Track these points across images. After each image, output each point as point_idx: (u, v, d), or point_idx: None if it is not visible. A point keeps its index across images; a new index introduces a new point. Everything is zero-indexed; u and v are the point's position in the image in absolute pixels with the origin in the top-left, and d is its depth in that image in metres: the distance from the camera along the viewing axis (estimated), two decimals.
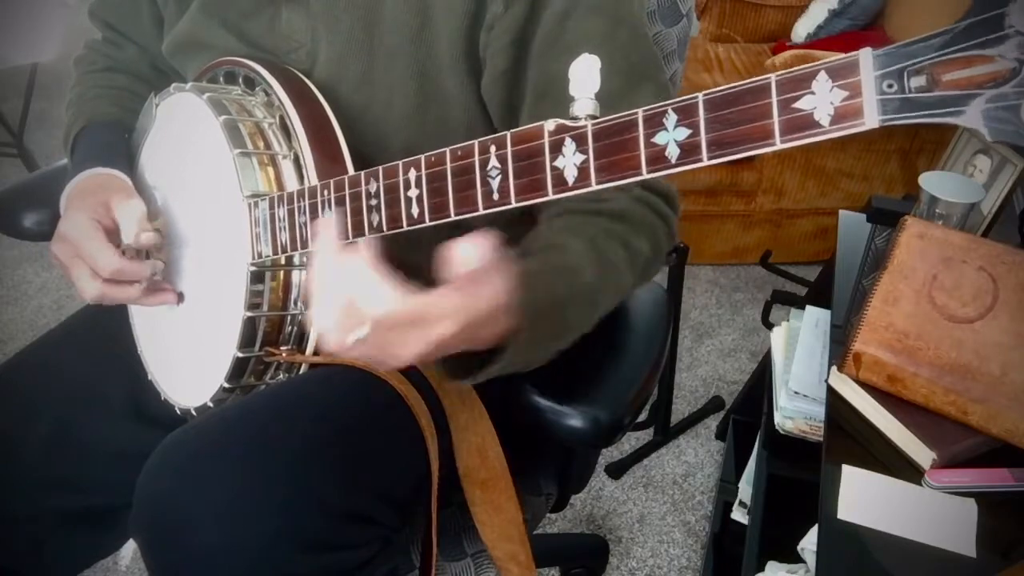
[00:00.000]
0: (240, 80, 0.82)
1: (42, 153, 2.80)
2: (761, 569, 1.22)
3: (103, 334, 0.94)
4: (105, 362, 0.92)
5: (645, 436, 1.83)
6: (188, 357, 0.86)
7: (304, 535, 0.65)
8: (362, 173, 0.63)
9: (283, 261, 0.75)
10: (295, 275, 0.77)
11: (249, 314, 0.75)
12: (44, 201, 0.97)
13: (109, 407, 0.89)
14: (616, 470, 1.75)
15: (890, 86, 0.37)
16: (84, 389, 0.89)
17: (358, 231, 0.64)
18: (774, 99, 0.40)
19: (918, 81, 0.36)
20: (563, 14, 0.72)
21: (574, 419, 0.74)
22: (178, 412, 0.86)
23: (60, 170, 0.99)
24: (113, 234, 0.80)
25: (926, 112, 0.36)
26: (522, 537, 0.82)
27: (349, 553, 0.69)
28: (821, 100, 0.39)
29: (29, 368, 0.91)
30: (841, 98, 0.38)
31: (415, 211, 0.58)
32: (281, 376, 0.81)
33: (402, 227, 0.60)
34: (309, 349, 0.78)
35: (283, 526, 0.64)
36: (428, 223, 0.58)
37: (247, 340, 0.77)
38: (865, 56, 0.37)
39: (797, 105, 0.39)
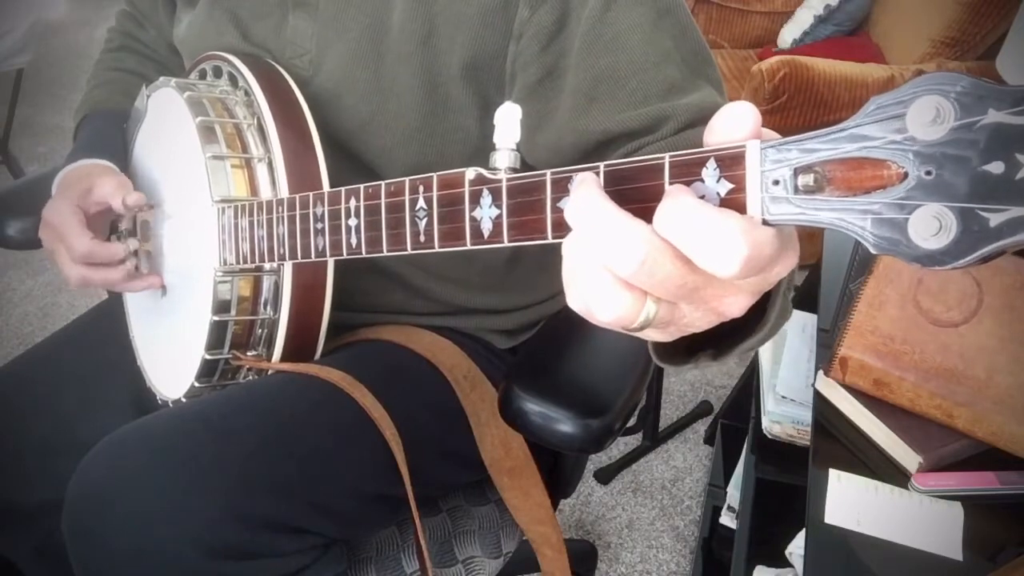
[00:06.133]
0: (225, 76, 0.82)
1: (27, 159, 2.78)
2: (750, 573, 1.22)
3: (105, 335, 0.96)
4: (106, 362, 0.93)
5: (634, 441, 1.83)
6: (168, 350, 0.87)
7: (219, 542, 0.65)
8: (310, 195, 0.63)
9: (252, 267, 0.75)
10: (265, 280, 0.77)
11: (216, 318, 0.75)
12: (29, 209, 0.97)
13: (110, 407, 0.89)
14: (605, 475, 1.75)
15: (776, 182, 0.34)
16: (85, 389, 0.90)
17: (305, 254, 0.65)
18: (666, 181, 0.37)
19: (806, 180, 0.33)
20: (602, 9, 0.68)
21: (564, 424, 0.74)
22: (159, 402, 0.86)
23: (44, 177, 0.98)
24: (94, 219, 0.84)
25: (811, 218, 0.33)
26: (552, 520, 0.84)
27: (274, 561, 0.69)
28: (710, 189, 0.36)
29: (31, 368, 0.92)
30: (727, 190, 0.36)
31: (353, 240, 0.58)
32: (251, 376, 0.81)
33: (342, 255, 0.60)
34: (276, 354, 0.78)
35: (196, 532, 0.64)
36: (364, 255, 0.57)
37: (215, 342, 0.77)
38: (752, 148, 0.35)
39: None
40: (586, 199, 0.36)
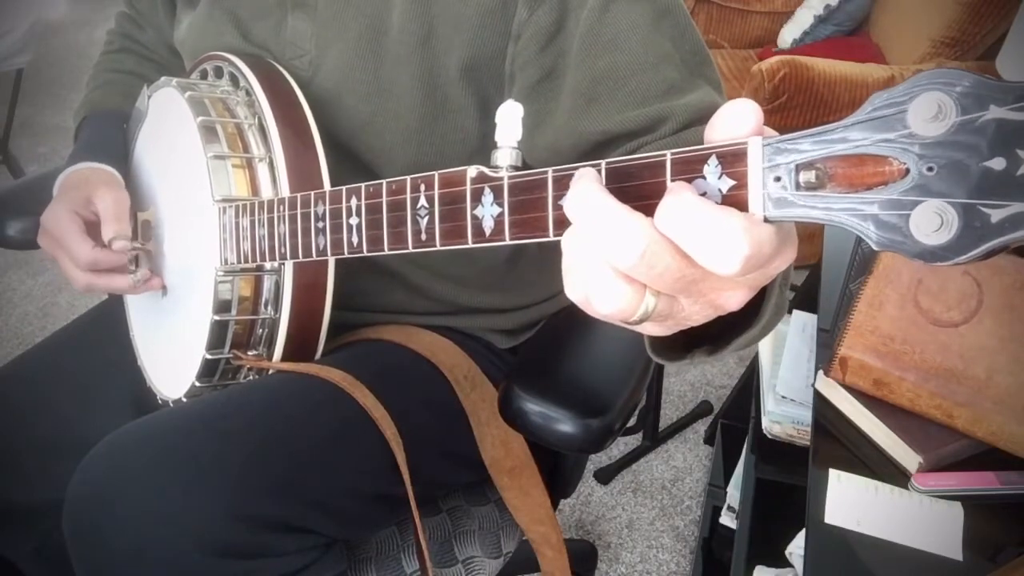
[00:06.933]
0: (226, 77, 0.82)
1: (27, 159, 2.78)
2: (750, 573, 1.22)
3: (106, 335, 0.96)
4: (106, 362, 0.93)
5: (634, 441, 1.83)
6: (169, 349, 0.87)
7: (220, 542, 0.65)
8: (312, 194, 0.63)
9: (252, 267, 0.75)
10: (266, 280, 0.77)
11: (217, 318, 0.75)
12: (28, 209, 0.97)
13: (110, 407, 0.89)
14: (605, 475, 1.75)
15: (777, 179, 0.34)
16: (85, 389, 0.90)
17: (307, 253, 0.65)
18: (668, 178, 0.37)
19: (807, 177, 0.33)
20: (601, 9, 0.68)
21: (564, 424, 0.74)
22: (159, 401, 0.86)
23: (44, 178, 0.98)
24: (94, 226, 0.83)
25: (813, 214, 0.33)
26: (551, 520, 0.84)
27: (274, 561, 0.69)
28: (711, 186, 0.36)
29: (32, 367, 0.92)
30: (729, 187, 0.36)
31: (355, 239, 0.58)
32: (252, 376, 0.81)
33: (343, 254, 0.60)
34: (277, 354, 0.78)
35: (197, 532, 0.64)
36: (366, 254, 0.58)
37: (216, 342, 0.77)
38: (754, 144, 0.35)
39: None
40: (586, 193, 0.36)
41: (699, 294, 0.37)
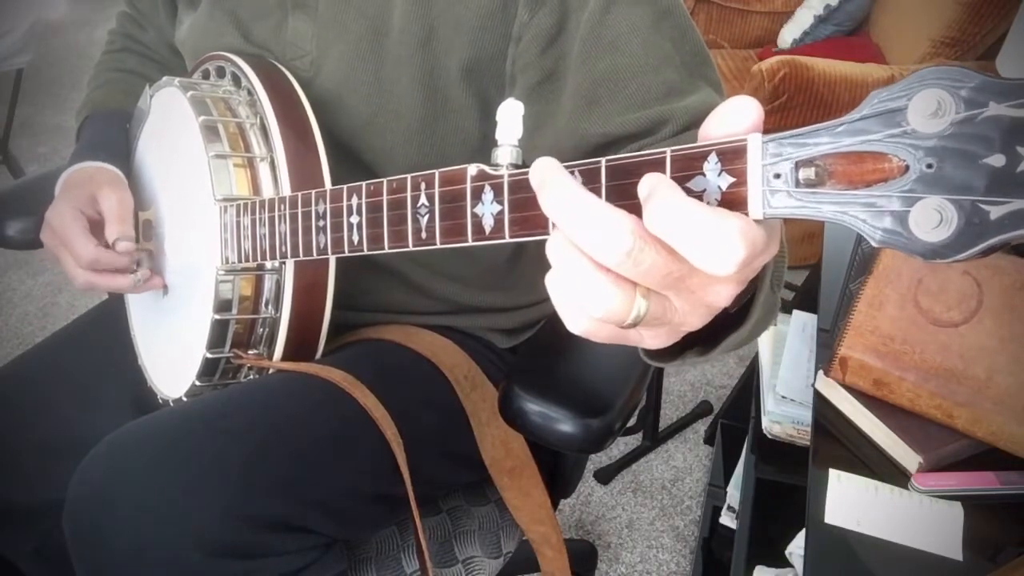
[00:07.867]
0: (228, 76, 0.82)
1: (27, 159, 2.78)
2: (750, 573, 1.22)
3: (106, 335, 0.96)
4: (106, 362, 0.93)
5: (634, 441, 1.83)
6: (169, 348, 0.87)
7: (220, 541, 0.65)
8: (312, 192, 0.64)
9: (253, 266, 0.75)
10: (267, 279, 0.77)
11: (217, 317, 0.76)
12: (29, 209, 0.97)
13: (110, 407, 0.90)
14: (605, 475, 1.75)
15: (777, 176, 0.34)
16: (85, 389, 0.90)
17: (307, 251, 0.65)
18: (667, 175, 0.37)
19: (807, 174, 0.33)
20: (601, 11, 0.68)
21: (564, 424, 0.74)
22: (160, 401, 0.86)
23: (44, 178, 0.98)
24: (97, 225, 0.84)
25: (813, 211, 0.33)
26: (552, 520, 0.84)
27: (274, 561, 0.69)
28: (711, 183, 0.36)
29: (32, 367, 0.93)
30: (728, 184, 0.36)
31: (355, 238, 0.59)
32: (252, 375, 0.82)
33: (344, 252, 0.60)
34: (277, 354, 0.78)
35: (197, 532, 0.64)
36: (366, 252, 0.58)
37: (216, 341, 0.77)
38: (754, 141, 0.35)
39: (689, 185, 0.37)
40: (565, 192, 0.36)
41: (688, 291, 0.37)
